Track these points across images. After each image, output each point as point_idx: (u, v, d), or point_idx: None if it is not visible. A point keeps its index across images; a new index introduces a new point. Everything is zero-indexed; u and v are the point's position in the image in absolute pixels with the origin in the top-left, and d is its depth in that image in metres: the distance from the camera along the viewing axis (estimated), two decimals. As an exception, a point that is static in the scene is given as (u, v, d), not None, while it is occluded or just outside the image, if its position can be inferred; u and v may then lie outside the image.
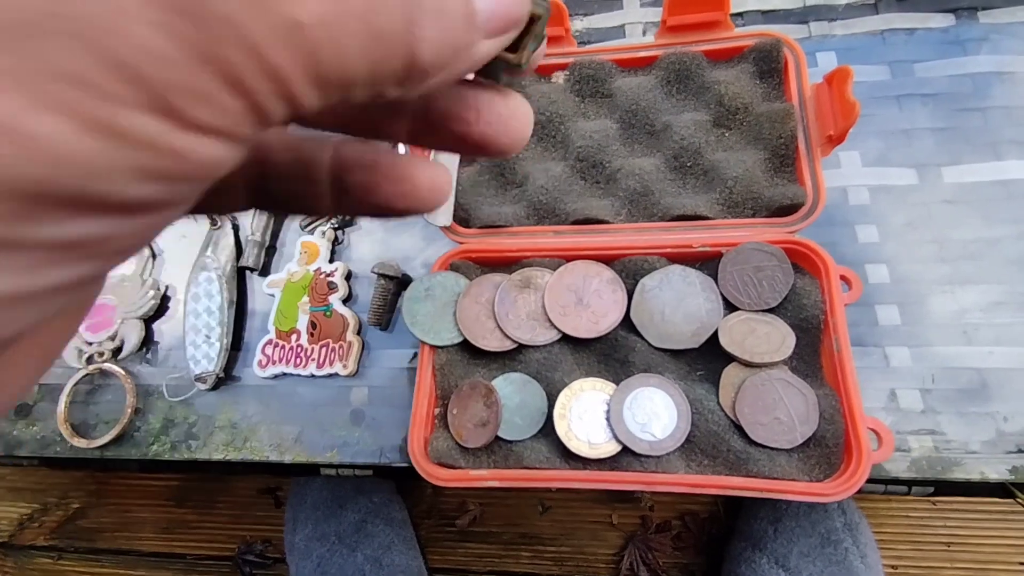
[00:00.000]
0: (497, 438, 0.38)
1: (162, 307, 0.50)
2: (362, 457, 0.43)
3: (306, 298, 0.47)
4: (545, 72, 0.47)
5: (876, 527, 0.72)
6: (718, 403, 0.37)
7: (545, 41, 0.14)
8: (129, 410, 0.47)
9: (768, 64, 0.43)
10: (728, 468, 0.35)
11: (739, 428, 0.36)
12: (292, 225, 0.51)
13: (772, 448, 0.35)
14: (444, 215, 0.42)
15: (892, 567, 0.78)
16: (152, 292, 0.49)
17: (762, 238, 0.39)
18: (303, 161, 0.14)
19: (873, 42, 0.47)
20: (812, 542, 0.64)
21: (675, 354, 0.39)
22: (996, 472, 0.37)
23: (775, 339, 0.37)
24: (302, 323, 0.46)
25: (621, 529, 0.80)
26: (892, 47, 0.46)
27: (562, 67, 0.46)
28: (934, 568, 0.77)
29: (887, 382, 0.40)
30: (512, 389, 0.39)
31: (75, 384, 0.48)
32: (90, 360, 0.48)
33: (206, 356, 0.46)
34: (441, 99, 0.14)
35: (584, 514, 0.81)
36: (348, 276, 0.48)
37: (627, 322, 0.39)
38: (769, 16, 0.49)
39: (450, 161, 0.43)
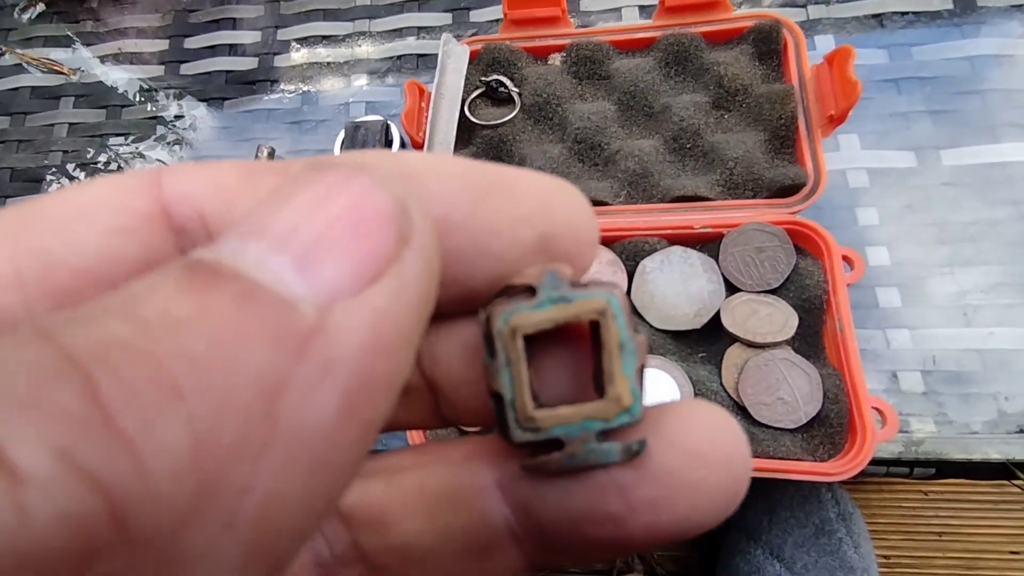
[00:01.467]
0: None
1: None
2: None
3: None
4: (542, 54, 0.46)
5: (869, 517, 0.72)
6: (721, 384, 0.36)
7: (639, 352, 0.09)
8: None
9: (767, 45, 0.42)
10: (732, 449, 0.34)
11: (743, 409, 0.35)
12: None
13: (776, 428, 0.34)
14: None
15: (885, 557, 0.78)
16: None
17: (763, 219, 0.38)
18: None
19: (871, 25, 0.47)
20: (806, 532, 0.64)
21: (677, 335, 0.38)
22: (998, 452, 0.37)
23: (777, 320, 0.37)
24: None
25: (616, 522, 0.80)
26: (890, 31, 0.46)
27: (559, 48, 0.46)
28: (926, 558, 0.77)
29: (888, 364, 0.39)
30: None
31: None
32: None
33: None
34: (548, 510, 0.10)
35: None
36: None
37: (628, 304, 0.39)
38: None
39: (445, 141, 0.42)
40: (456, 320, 0.11)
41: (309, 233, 0.07)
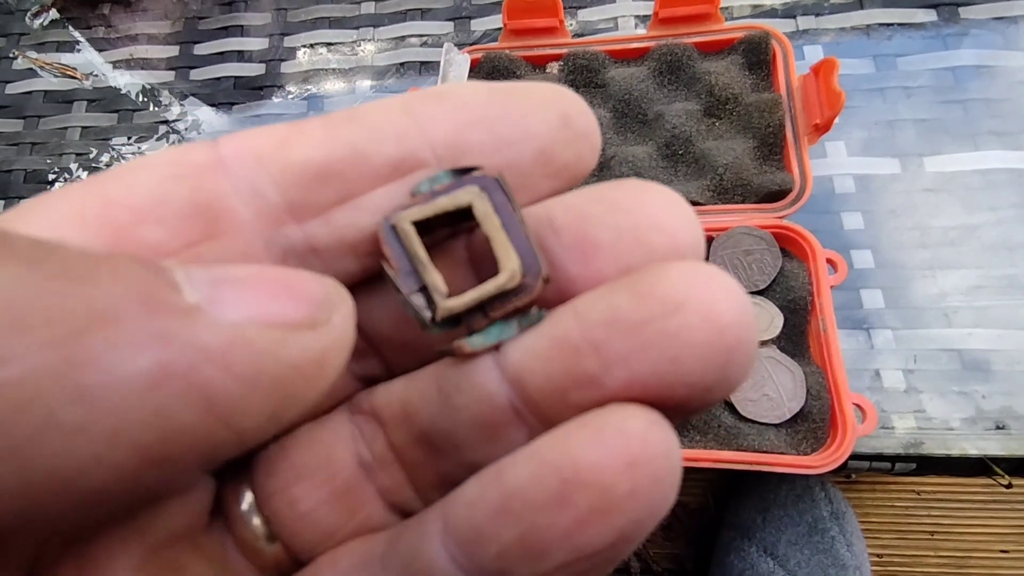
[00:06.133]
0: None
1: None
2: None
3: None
4: (540, 62, 0.48)
5: (862, 516, 0.73)
6: (709, 381, 0.38)
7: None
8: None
9: (757, 56, 0.44)
10: (719, 443, 0.36)
11: (729, 404, 0.37)
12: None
13: (761, 423, 0.36)
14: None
15: (877, 556, 0.79)
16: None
17: (751, 223, 0.40)
18: None
19: (858, 36, 0.48)
20: (800, 530, 0.65)
21: (667, 334, 0.40)
22: (976, 448, 0.38)
23: (764, 319, 0.38)
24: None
25: (612, 520, 0.81)
26: (876, 41, 0.48)
27: (556, 58, 0.47)
28: (918, 556, 0.78)
29: (871, 363, 0.41)
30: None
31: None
32: None
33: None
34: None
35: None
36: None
37: (621, 304, 0.40)
38: (758, 10, 0.51)
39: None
40: None
41: (241, 282, 0.09)
